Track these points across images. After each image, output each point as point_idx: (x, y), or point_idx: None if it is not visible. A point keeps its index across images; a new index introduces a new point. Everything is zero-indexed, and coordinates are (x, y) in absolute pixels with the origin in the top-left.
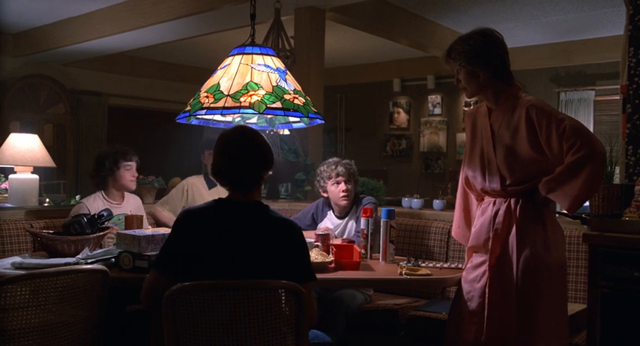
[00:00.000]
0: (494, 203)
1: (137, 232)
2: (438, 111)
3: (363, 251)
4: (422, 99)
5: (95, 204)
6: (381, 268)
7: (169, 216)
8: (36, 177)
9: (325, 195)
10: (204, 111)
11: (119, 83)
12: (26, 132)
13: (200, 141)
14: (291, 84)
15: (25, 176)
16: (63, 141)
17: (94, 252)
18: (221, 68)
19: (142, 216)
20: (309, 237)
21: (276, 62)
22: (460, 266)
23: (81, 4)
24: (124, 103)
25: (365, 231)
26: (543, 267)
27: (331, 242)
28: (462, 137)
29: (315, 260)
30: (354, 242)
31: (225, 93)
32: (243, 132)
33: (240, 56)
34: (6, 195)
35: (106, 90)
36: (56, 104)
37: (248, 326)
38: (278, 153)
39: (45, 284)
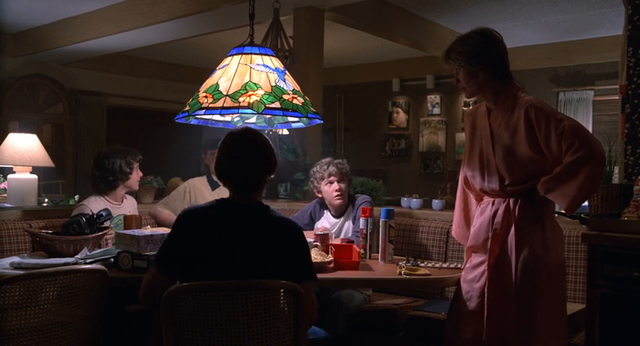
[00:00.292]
0: (493, 203)
1: (136, 232)
2: (437, 111)
3: (362, 251)
4: (421, 99)
5: (96, 204)
6: (380, 268)
7: (169, 214)
8: (35, 177)
9: (320, 195)
10: (203, 111)
11: (118, 83)
12: (25, 132)
13: (200, 141)
14: (289, 84)
15: (23, 176)
16: (62, 141)
17: (93, 252)
18: (220, 68)
19: (140, 216)
20: (308, 236)
21: (275, 62)
22: (459, 266)
23: (80, 4)
24: (123, 103)
25: (364, 231)
26: (542, 267)
27: (330, 242)
28: (461, 137)
29: (315, 260)
30: (353, 242)
31: (224, 93)
32: (248, 135)
33: (239, 56)
34: (5, 195)
35: (105, 90)
36: (55, 104)
37: (246, 326)
38: (277, 153)
39: (44, 284)
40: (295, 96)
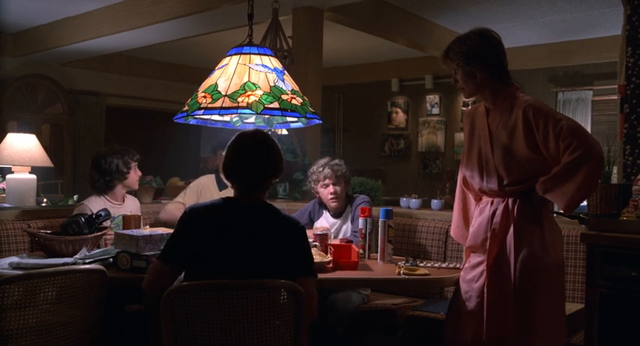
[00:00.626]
0: (492, 203)
1: (135, 232)
2: (436, 111)
3: (361, 251)
4: (420, 99)
5: (96, 204)
6: (379, 268)
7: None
8: (33, 177)
9: (318, 195)
10: (202, 111)
11: (117, 83)
12: (24, 132)
13: (199, 141)
14: (288, 84)
15: (22, 176)
16: (60, 141)
17: (92, 252)
18: (219, 68)
19: (139, 216)
20: (308, 236)
21: (273, 62)
22: (458, 266)
23: (79, 4)
24: (122, 103)
25: (363, 231)
26: (541, 267)
27: (329, 242)
28: (459, 137)
29: (314, 260)
30: (352, 242)
31: (223, 93)
32: (259, 137)
33: (238, 56)
34: (3, 195)
35: (104, 90)
36: (54, 104)
37: (247, 325)
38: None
39: (43, 284)
40: (294, 96)
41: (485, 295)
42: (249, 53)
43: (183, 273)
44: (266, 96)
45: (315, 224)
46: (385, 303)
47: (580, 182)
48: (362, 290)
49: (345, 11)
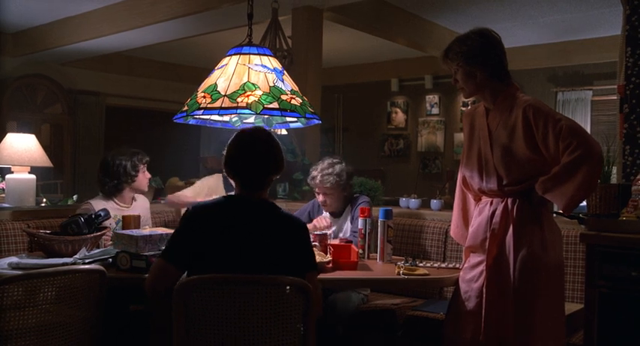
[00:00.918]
0: (492, 203)
1: (134, 232)
2: (435, 111)
3: (360, 251)
4: (419, 99)
5: (101, 206)
6: (379, 268)
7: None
8: (33, 177)
9: None
10: (202, 111)
11: (117, 83)
12: (23, 132)
13: (198, 141)
14: (288, 84)
15: (22, 176)
16: (60, 141)
17: (92, 252)
18: (218, 68)
19: (139, 216)
20: None
21: (273, 62)
22: (457, 266)
23: (79, 4)
24: (122, 103)
25: (363, 231)
26: (541, 267)
27: (329, 242)
28: (459, 137)
29: None
30: (351, 242)
31: (223, 93)
32: (258, 134)
33: (238, 56)
34: (3, 195)
35: (104, 89)
36: (54, 104)
37: (257, 319)
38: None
39: (42, 284)
40: (293, 96)
41: (485, 295)
42: (249, 53)
43: (186, 273)
44: (265, 97)
45: (314, 222)
46: (385, 303)
47: (579, 182)
48: (361, 290)
49: (345, 11)
